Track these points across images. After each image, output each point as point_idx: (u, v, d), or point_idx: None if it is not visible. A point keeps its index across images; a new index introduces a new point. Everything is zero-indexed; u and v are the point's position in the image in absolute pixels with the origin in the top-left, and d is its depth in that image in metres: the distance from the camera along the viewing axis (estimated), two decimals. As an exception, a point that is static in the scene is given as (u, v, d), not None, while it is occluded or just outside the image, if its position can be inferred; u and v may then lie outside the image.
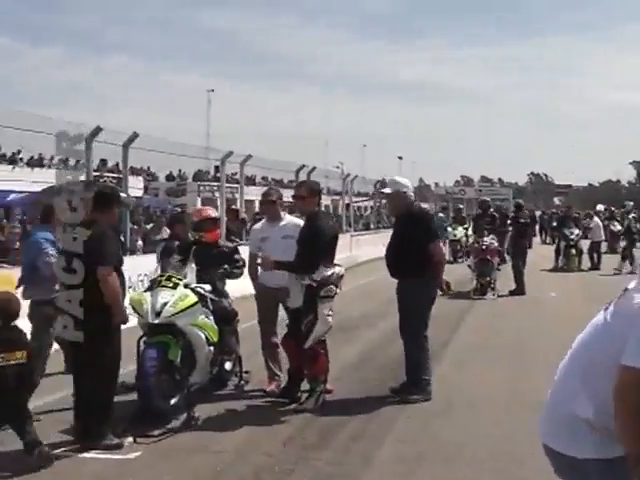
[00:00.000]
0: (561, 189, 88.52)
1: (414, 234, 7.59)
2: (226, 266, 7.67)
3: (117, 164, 23.76)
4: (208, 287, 7.24)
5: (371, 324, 12.28)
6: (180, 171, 38.08)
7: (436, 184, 68.18)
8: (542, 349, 9.62)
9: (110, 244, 6.11)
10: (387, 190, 7.93)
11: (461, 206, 29.34)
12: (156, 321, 6.67)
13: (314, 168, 21.87)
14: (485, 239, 16.44)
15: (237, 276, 7.89)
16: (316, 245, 7.13)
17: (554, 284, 18.42)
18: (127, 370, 6.85)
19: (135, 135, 14.14)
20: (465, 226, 26.93)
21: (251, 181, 34.17)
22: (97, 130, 12.93)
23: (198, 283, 7.26)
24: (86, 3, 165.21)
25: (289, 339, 7.39)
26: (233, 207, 19.11)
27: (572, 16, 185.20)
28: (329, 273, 7.15)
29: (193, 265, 7.47)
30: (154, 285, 6.98)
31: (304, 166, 21.12)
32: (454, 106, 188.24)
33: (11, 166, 30.09)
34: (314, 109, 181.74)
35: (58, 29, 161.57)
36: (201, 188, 35.15)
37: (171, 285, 6.89)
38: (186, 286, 6.99)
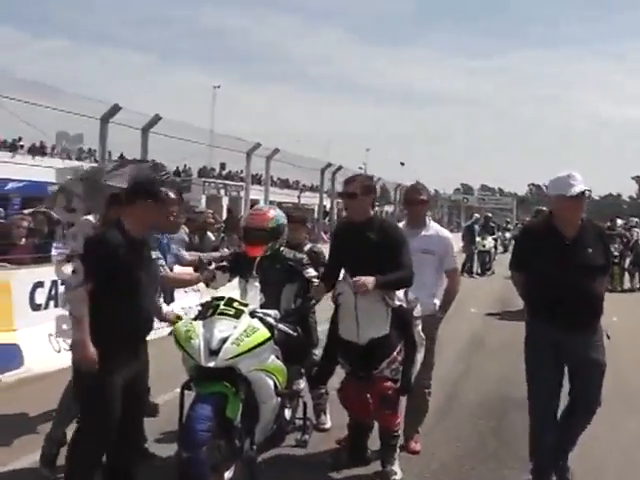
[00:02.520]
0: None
1: None
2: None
3: (121, 155, 21.55)
4: (275, 314, 5.28)
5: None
6: (185, 166, 35.99)
7: (436, 191, 66.54)
8: None
9: None
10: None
11: (490, 214, 27.38)
12: (211, 364, 4.70)
13: (340, 167, 19.90)
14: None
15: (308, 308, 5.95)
16: (409, 253, 5.46)
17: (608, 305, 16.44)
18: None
19: (157, 118, 12.17)
20: (494, 236, 25.13)
21: (256, 180, 32.17)
22: (115, 109, 10.97)
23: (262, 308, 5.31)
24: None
25: (353, 383, 5.58)
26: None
27: (575, 29, 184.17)
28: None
29: (257, 283, 5.49)
30: (208, 311, 4.99)
31: (330, 164, 19.13)
32: (457, 114, 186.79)
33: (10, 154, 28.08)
34: (317, 112, 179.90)
35: (60, 22, 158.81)
36: (206, 185, 33.08)
37: (233, 312, 4.91)
38: (253, 314, 5.03)
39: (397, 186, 29.31)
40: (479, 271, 23.63)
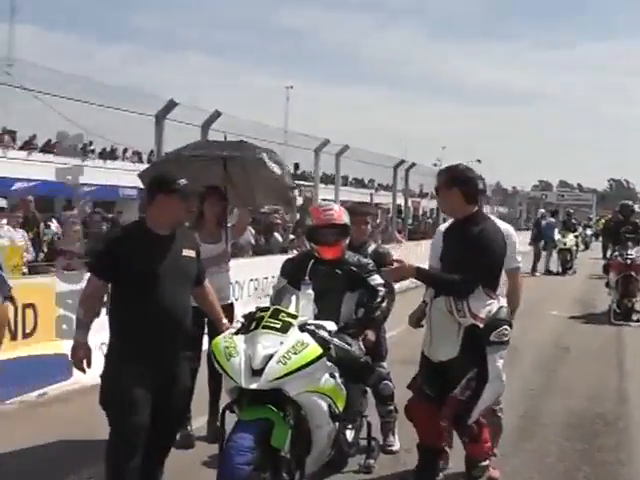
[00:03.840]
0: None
1: None
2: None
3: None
4: (332, 326, 4.63)
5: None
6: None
7: (514, 188, 65.10)
8: None
9: None
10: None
11: (571, 211, 26.15)
12: (253, 386, 4.06)
13: (413, 164, 19.06)
14: (630, 252, 13.48)
15: (379, 320, 5.30)
16: (485, 260, 4.66)
17: None
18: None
19: (217, 114, 11.62)
20: (576, 234, 23.98)
21: (329, 179, 31.62)
22: (171, 105, 10.45)
23: (317, 319, 4.67)
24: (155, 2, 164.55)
25: (423, 402, 4.90)
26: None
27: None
28: (496, 307, 4.68)
29: (310, 290, 4.85)
30: (251, 324, 4.34)
31: (403, 161, 18.33)
32: (532, 109, 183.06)
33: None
34: (392, 110, 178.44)
35: (128, 27, 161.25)
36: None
37: (279, 326, 4.26)
38: (303, 327, 4.38)
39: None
40: (560, 270, 22.51)
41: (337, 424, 4.52)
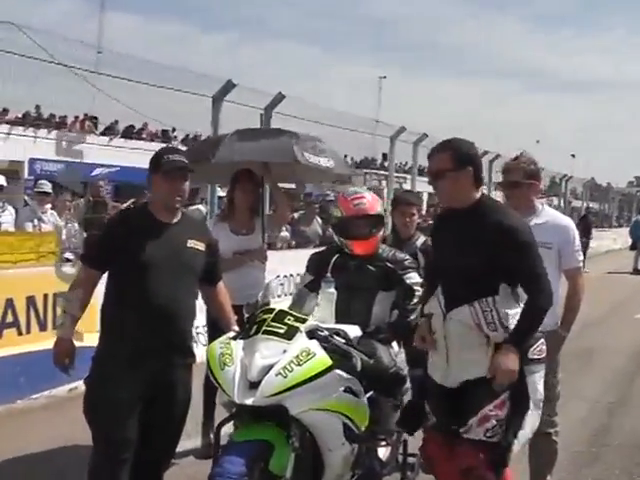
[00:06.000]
0: None
1: None
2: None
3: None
4: (356, 331, 3.99)
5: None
6: (345, 157, 34.90)
7: (608, 184, 63.01)
8: None
9: None
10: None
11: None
12: (248, 401, 3.45)
13: (498, 156, 17.68)
14: None
15: (408, 328, 4.41)
16: (533, 252, 3.70)
17: None
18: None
19: (280, 97, 11.06)
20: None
21: (420, 171, 30.73)
22: (229, 86, 9.88)
23: (340, 323, 4.04)
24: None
25: (438, 440, 3.91)
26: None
27: None
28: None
29: (332, 289, 4.22)
30: (252, 328, 3.72)
31: (487, 152, 17.30)
32: (628, 103, 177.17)
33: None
34: (484, 101, 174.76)
35: (226, 16, 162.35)
36: (367, 177, 31.67)
37: (283, 331, 3.63)
38: (314, 334, 3.72)
39: (563, 177, 27.17)
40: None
41: (355, 446, 3.88)
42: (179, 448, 4.29)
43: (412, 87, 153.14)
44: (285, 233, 12.39)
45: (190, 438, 5.21)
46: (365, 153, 33.66)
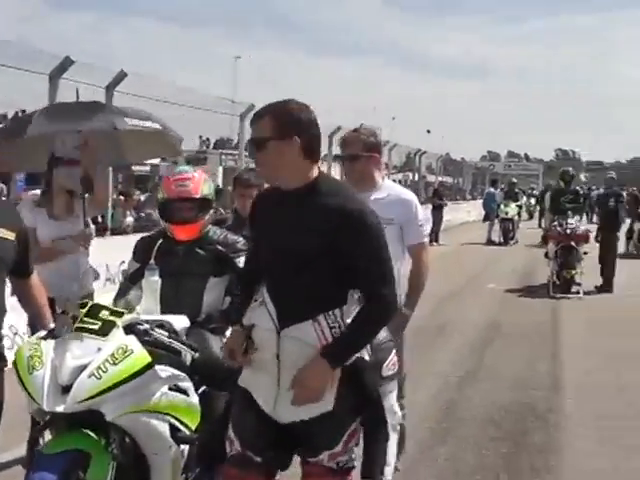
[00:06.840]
0: (592, 166, 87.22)
1: None
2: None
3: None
4: (183, 321, 3.69)
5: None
6: (201, 137, 34.02)
7: (463, 159, 65.01)
8: None
9: None
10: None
11: (515, 180, 25.42)
12: (59, 408, 3.08)
13: (339, 128, 17.71)
14: (570, 220, 12.78)
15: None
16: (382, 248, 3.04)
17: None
18: None
19: (122, 75, 10.56)
20: (518, 203, 23.46)
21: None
22: (66, 63, 9.36)
23: (164, 313, 3.76)
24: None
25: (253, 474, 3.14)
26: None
27: None
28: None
29: (155, 277, 3.89)
30: (63, 326, 3.33)
31: (340, 128, 17.23)
32: (483, 81, 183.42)
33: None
34: (343, 79, 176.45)
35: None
36: (223, 157, 30.98)
37: (97, 327, 3.26)
38: (131, 328, 3.38)
39: (417, 151, 27.59)
40: (501, 240, 21.97)
41: (186, 447, 3.59)
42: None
43: (269, 66, 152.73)
44: (129, 218, 11.93)
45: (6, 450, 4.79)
46: (221, 133, 33.13)
